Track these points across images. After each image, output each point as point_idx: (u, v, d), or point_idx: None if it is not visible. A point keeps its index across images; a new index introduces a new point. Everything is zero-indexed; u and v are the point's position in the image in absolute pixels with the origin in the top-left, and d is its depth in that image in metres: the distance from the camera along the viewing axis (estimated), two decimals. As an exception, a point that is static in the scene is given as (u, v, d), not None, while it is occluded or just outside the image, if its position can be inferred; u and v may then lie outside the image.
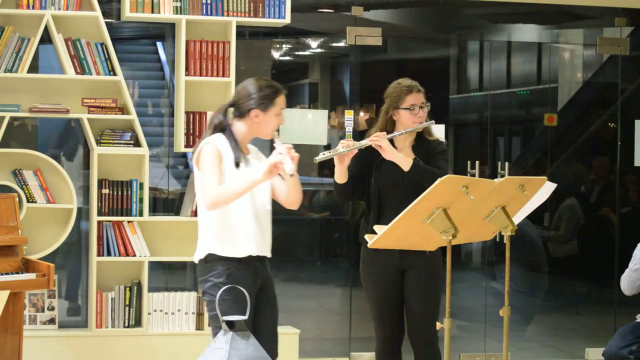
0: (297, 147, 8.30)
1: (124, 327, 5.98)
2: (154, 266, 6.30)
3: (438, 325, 3.99)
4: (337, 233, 7.97)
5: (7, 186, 5.83)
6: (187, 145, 5.94)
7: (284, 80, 8.61)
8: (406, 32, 8.09)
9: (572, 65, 8.65)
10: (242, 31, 6.62)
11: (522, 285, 7.88)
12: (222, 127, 4.11)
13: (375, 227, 4.06)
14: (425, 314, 4.50)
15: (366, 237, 4.06)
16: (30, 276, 5.01)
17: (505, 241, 4.05)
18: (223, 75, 6.00)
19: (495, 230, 4.07)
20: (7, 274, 4.99)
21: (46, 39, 5.93)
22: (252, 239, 4.06)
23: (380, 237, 3.92)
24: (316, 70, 8.71)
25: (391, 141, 4.55)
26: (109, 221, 5.95)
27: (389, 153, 4.45)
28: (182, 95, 5.99)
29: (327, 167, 7.94)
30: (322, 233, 8.00)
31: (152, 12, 5.96)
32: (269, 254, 4.18)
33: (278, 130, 4.14)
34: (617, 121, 7.45)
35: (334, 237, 8.02)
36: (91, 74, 5.92)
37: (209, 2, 6.00)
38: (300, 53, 8.74)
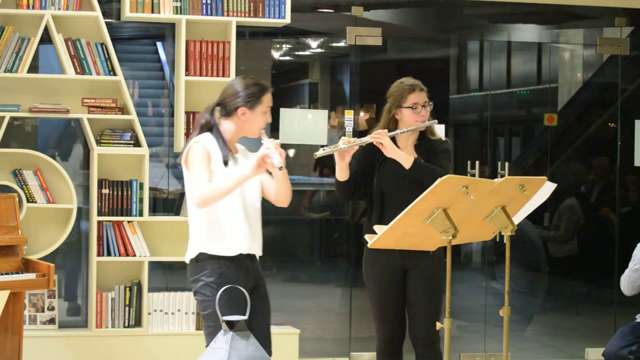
0: (297, 147, 8.34)
1: (124, 327, 5.98)
2: (154, 266, 6.30)
3: (438, 325, 3.99)
4: (337, 233, 7.97)
5: (7, 186, 5.83)
6: (187, 145, 5.94)
7: (284, 80, 8.62)
8: (406, 32, 8.09)
9: (572, 65, 8.65)
10: (242, 31, 6.62)
11: (522, 285, 7.88)
12: (210, 127, 4.11)
13: (375, 227, 4.06)
14: (426, 314, 4.50)
15: (366, 237, 4.06)
16: (30, 276, 5.01)
17: (505, 241, 4.05)
18: (223, 75, 6.00)
19: (495, 230, 4.07)
20: (7, 274, 4.99)
21: (46, 39, 5.93)
22: (242, 237, 4.07)
23: (380, 237, 3.92)
24: (316, 70, 8.71)
25: (394, 140, 4.54)
26: (109, 221, 5.95)
27: (389, 150, 4.44)
28: (182, 95, 5.99)
29: (327, 167, 7.95)
30: (322, 233, 8.00)
31: (152, 12, 5.96)
32: (259, 252, 4.19)
33: (265, 129, 4.15)
34: (617, 121, 7.45)
35: (334, 237, 8.02)
36: (91, 74, 5.92)
37: (209, 2, 6.00)
38: (300, 53, 8.74)
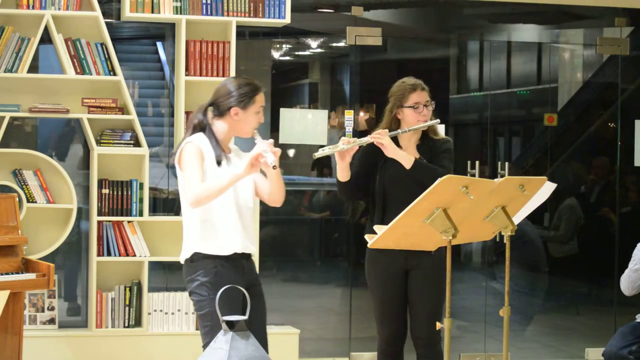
0: (297, 147, 8.33)
1: (124, 327, 5.98)
2: (154, 266, 6.30)
3: (438, 325, 3.98)
4: (337, 233, 7.97)
5: (7, 186, 5.83)
6: (187, 145, 5.94)
7: (284, 80, 8.62)
8: (406, 32, 8.09)
9: (572, 65, 8.66)
10: (242, 31, 6.62)
11: (522, 285, 7.88)
12: (202, 127, 4.12)
13: (375, 227, 4.06)
14: (428, 314, 4.49)
15: (366, 237, 4.06)
16: (30, 276, 5.01)
17: (505, 241, 4.04)
18: (223, 76, 5.99)
19: (495, 230, 4.07)
20: (7, 274, 4.99)
21: (46, 39, 5.94)
22: (237, 236, 4.07)
23: (380, 237, 3.92)
24: (316, 70, 8.71)
25: (396, 140, 4.54)
26: (109, 221, 5.95)
27: (390, 150, 4.43)
28: (182, 95, 5.99)
29: (327, 167, 7.95)
30: (322, 233, 8.00)
31: (152, 12, 5.96)
32: (255, 251, 4.19)
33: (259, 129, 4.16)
34: (617, 121, 7.44)
35: (334, 237, 8.02)
36: (91, 74, 5.92)
37: (209, 2, 6.00)
38: (300, 53, 8.74)
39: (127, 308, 5.99)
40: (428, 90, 4.61)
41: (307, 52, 8.68)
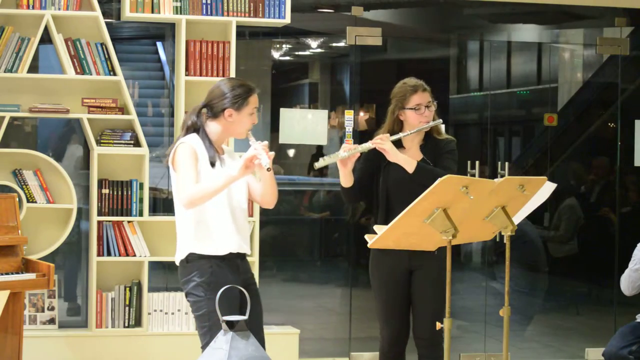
0: (297, 147, 8.32)
1: (124, 327, 5.98)
2: (154, 266, 6.30)
3: (438, 325, 3.98)
4: (337, 233, 7.97)
5: (7, 186, 5.83)
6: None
7: (284, 80, 8.63)
8: (406, 32, 8.09)
9: (572, 65, 8.66)
10: (242, 31, 6.62)
11: (522, 285, 7.88)
12: (196, 128, 4.11)
13: (375, 227, 4.06)
14: (432, 314, 4.48)
15: (366, 237, 4.06)
16: (30, 276, 5.01)
17: (505, 241, 4.04)
18: (223, 76, 5.99)
19: (495, 230, 4.07)
20: (7, 274, 4.99)
21: (46, 39, 5.93)
22: (232, 237, 4.07)
23: (380, 237, 3.92)
24: (316, 70, 8.71)
25: (399, 141, 4.53)
26: (109, 221, 5.95)
27: (392, 155, 4.42)
28: (182, 95, 5.99)
29: (326, 167, 7.95)
30: (322, 233, 8.01)
31: (152, 12, 5.96)
32: (249, 251, 4.19)
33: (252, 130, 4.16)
34: (617, 121, 7.44)
35: (334, 237, 8.02)
36: (91, 74, 5.92)
37: (209, 2, 6.00)
38: (300, 53, 8.74)
39: (127, 308, 5.99)
40: (430, 90, 4.60)
41: (307, 52, 8.68)
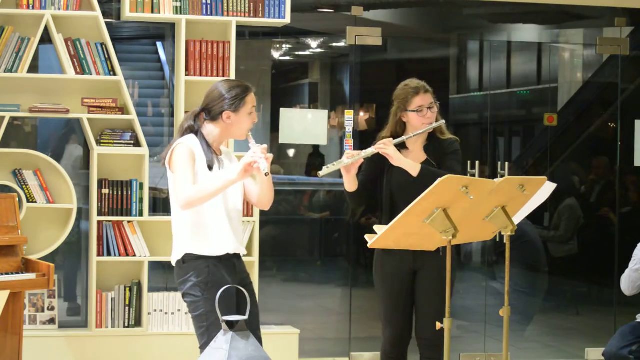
0: (297, 147, 8.31)
1: (124, 327, 5.98)
2: (154, 266, 6.30)
3: (438, 325, 3.98)
4: (337, 233, 7.97)
5: (7, 186, 5.83)
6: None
7: (284, 80, 8.63)
8: (406, 32, 8.09)
9: (572, 65, 8.66)
10: (242, 31, 6.62)
11: (522, 285, 7.88)
12: (193, 131, 4.10)
13: (376, 227, 4.06)
14: (435, 315, 4.47)
15: (366, 237, 4.06)
16: (30, 276, 5.01)
17: (505, 241, 4.04)
18: (223, 76, 5.99)
19: (495, 230, 4.07)
20: (7, 274, 4.99)
21: (46, 39, 5.93)
22: (228, 238, 4.07)
23: (380, 237, 3.92)
24: (316, 70, 8.71)
25: (403, 143, 4.53)
26: (109, 221, 5.95)
27: (396, 160, 4.42)
28: (182, 95, 5.99)
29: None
30: (322, 233, 8.01)
31: (152, 12, 5.96)
32: (244, 251, 4.19)
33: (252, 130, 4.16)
34: (617, 121, 7.45)
35: (334, 237, 8.02)
36: (91, 74, 5.92)
37: (209, 2, 6.00)
38: (300, 53, 8.74)
39: (127, 308, 5.99)
40: (432, 91, 4.59)
41: (307, 52, 8.68)
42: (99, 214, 5.92)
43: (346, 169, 4.43)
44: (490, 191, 3.84)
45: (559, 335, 7.60)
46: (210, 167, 4.04)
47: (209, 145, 4.09)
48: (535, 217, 7.62)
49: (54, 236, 5.94)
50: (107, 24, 5.94)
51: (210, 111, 4.10)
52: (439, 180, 3.67)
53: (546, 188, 4.18)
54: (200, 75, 6.01)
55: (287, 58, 8.61)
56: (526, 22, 8.09)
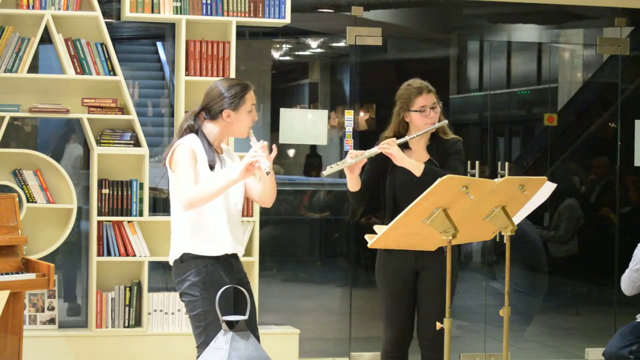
0: (297, 147, 8.30)
1: (124, 327, 5.98)
2: (154, 266, 6.30)
3: (438, 325, 3.98)
4: (337, 233, 7.97)
5: (7, 186, 5.83)
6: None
7: (284, 80, 8.62)
8: (406, 32, 8.09)
9: (572, 65, 8.66)
10: (242, 31, 6.62)
11: (522, 285, 7.88)
12: (193, 130, 4.10)
13: (376, 227, 4.06)
14: (436, 315, 4.47)
15: (366, 237, 4.06)
16: (30, 276, 5.01)
17: (505, 241, 4.04)
18: (223, 76, 5.99)
19: (495, 230, 4.07)
20: (7, 274, 4.99)
21: (46, 39, 5.93)
22: (227, 238, 4.07)
23: (380, 237, 3.92)
24: (316, 70, 8.71)
25: (406, 142, 4.53)
26: (109, 221, 5.95)
27: (399, 159, 4.42)
28: (182, 95, 5.99)
29: (326, 168, 7.94)
30: (322, 233, 8.00)
31: (152, 12, 5.96)
32: (242, 252, 4.19)
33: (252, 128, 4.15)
34: (617, 121, 7.45)
35: (334, 237, 8.02)
36: (91, 74, 5.92)
37: (209, 2, 6.00)
38: (300, 53, 8.74)
39: (127, 308, 5.99)
40: (435, 91, 4.59)
41: (307, 52, 8.68)
42: (99, 214, 5.92)
43: (349, 168, 4.43)
44: (490, 191, 3.84)
45: (559, 335, 7.60)
46: (211, 167, 4.04)
47: (210, 144, 4.08)
48: (535, 217, 7.61)
49: (54, 236, 5.94)
50: (107, 24, 5.94)
51: (210, 110, 4.10)
52: (438, 180, 3.67)
53: (546, 188, 4.18)
54: (200, 75, 6.01)
55: (287, 58, 8.61)
56: (526, 22, 8.08)
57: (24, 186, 5.85)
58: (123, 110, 5.98)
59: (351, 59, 7.07)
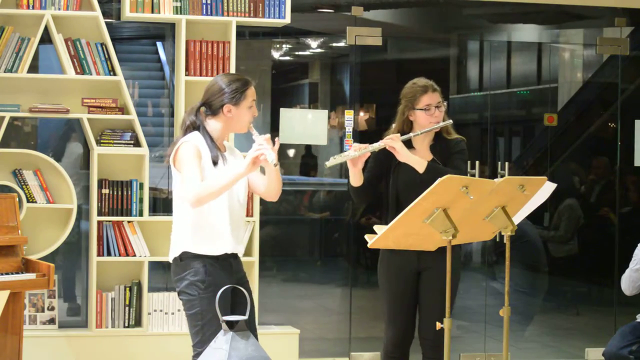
0: (297, 147, 8.30)
1: (124, 327, 5.98)
2: (154, 266, 6.30)
3: (438, 325, 3.98)
4: (337, 233, 7.97)
5: (7, 186, 5.83)
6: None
7: (284, 80, 8.62)
8: (406, 32, 8.09)
9: (572, 65, 8.66)
10: (242, 31, 6.62)
11: (522, 285, 7.88)
12: (196, 127, 4.10)
13: (376, 227, 4.06)
14: (439, 315, 4.46)
15: (366, 237, 4.06)
16: (30, 276, 5.01)
17: (505, 241, 4.04)
18: (223, 75, 5.98)
19: (495, 230, 4.07)
20: (7, 274, 4.99)
21: (46, 39, 5.94)
22: (229, 237, 4.06)
23: (380, 237, 3.92)
24: (316, 70, 8.70)
25: (409, 141, 4.53)
26: (109, 221, 5.95)
27: (402, 155, 4.42)
28: (182, 95, 5.99)
29: (326, 168, 7.93)
30: (322, 233, 8.00)
31: (152, 12, 5.96)
32: (242, 251, 4.19)
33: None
34: (617, 121, 7.45)
35: (334, 237, 8.02)
36: (91, 74, 5.92)
37: (209, 2, 6.00)
38: (300, 53, 8.74)
39: (127, 308, 5.99)
40: (440, 91, 4.59)
41: (307, 52, 8.68)
42: (99, 214, 5.92)
43: (352, 162, 4.42)
44: (490, 191, 3.84)
45: (559, 335, 7.60)
46: (215, 163, 4.04)
47: (213, 141, 4.08)
48: (535, 217, 7.61)
49: (54, 236, 5.94)
50: (107, 24, 5.94)
51: (210, 105, 4.10)
52: (438, 180, 3.67)
53: (546, 188, 4.18)
54: (200, 75, 6.01)
55: (287, 58, 8.60)
56: (526, 22, 8.08)
57: (24, 186, 5.85)
58: (123, 110, 5.98)
59: (351, 59, 7.07)
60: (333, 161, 4.41)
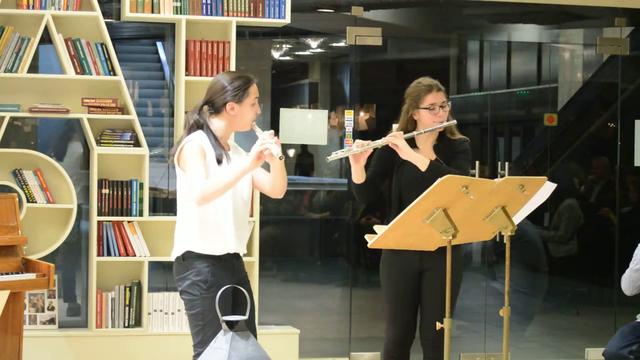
0: (297, 147, 8.30)
1: (124, 327, 5.98)
2: (154, 266, 6.30)
3: (438, 325, 3.98)
4: (337, 233, 7.97)
5: (7, 186, 5.83)
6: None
7: (284, 80, 8.62)
8: (406, 32, 8.09)
9: (572, 65, 8.66)
10: (242, 31, 6.62)
11: (522, 285, 7.88)
12: (199, 126, 4.10)
13: (376, 227, 4.06)
14: (440, 315, 4.46)
15: (366, 237, 4.06)
16: (30, 276, 5.01)
17: (505, 241, 4.04)
18: (223, 75, 5.98)
19: (495, 230, 4.07)
20: (7, 274, 4.99)
21: (46, 39, 5.94)
22: (232, 237, 4.06)
23: (380, 237, 3.92)
24: (316, 70, 8.71)
25: (413, 141, 4.52)
26: (109, 221, 5.95)
27: (405, 152, 4.41)
28: (182, 95, 5.99)
29: (327, 167, 7.94)
30: (322, 233, 8.00)
31: (152, 12, 5.96)
32: (244, 251, 4.18)
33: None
34: (617, 121, 7.45)
35: (334, 237, 8.02)
36: (91, 74, 5.92)
37: (209, 2, 6.00)
38: (300, 53, 8.74)
39: (127, 308, 5.99)
40: (444, 90, 4.59)
41: (307, 52, 8.68)
42: (99, 214, 5.92)
43: (355, 158, 4.42)
44: (490, 191, 3.84)
45: (559, 335, 7.60)
46: (219, 161, 4.03)
47: (217, 140, 4.08)
48: (535, 217, 7.61)
49: (54, 236, 5.94)
50: (107, 24, 5.94)
51: (213, 104, 4.10)
52: (438, 180, 3.67)
53: (546, 188, 4.18)
54: (200, 75, 6.01)
55: (287, 58, 8.60)
56: (526, 22, 8.08)
57: (24, 186, 5.85)
58: (123, 110, 5.98)
59: (351, 59, 7.07)
60: (335, 156, 4.41)
